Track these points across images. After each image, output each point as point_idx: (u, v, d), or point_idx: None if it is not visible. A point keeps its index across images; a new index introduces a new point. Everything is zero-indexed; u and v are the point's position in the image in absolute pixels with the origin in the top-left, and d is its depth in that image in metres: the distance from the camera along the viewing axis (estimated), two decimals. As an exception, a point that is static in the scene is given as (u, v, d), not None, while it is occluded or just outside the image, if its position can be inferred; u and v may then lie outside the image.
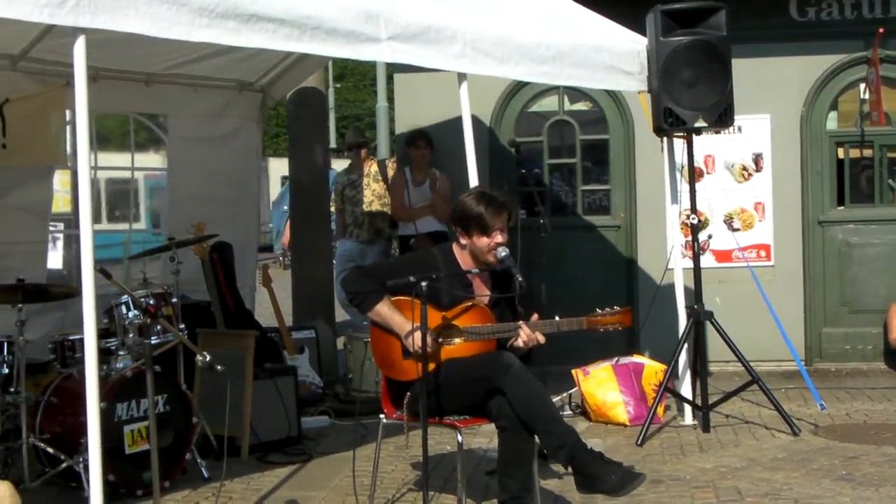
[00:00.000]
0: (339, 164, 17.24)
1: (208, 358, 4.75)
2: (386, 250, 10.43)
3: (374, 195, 10.37)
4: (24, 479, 6.02)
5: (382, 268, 5.74)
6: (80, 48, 4.81)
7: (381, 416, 5.57)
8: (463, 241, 5.46)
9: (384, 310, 5.32)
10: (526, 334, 5.24)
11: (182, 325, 6.80)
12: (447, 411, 5.34)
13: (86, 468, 5.68)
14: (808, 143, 9.91)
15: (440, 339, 5.28)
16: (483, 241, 5.37)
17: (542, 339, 5.27)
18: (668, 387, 7.52)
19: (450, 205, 9.41)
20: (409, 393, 5.36)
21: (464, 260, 5.49)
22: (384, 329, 5.38)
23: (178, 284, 7.05)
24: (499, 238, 5.36)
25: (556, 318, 5.28)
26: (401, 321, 5.28)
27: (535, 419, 5.08)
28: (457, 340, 5.32)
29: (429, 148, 9.72)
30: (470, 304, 5.36)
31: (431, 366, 5.19)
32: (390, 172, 10.41)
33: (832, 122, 10.01)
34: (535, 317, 5.32)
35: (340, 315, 10.31)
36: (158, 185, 11.12)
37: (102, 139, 9.95)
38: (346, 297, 5.58)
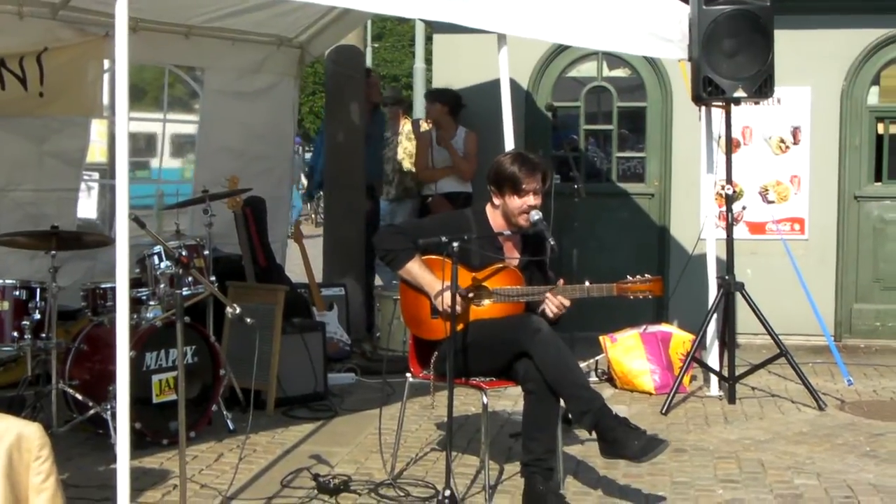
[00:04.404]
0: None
1: (238, 310, 4.77)
2: (415, 209, 10.42)
3: (405, 153, 10.33)
4: (52, 423, 6.07)
5: (414, 226, 5.76)
6: (122, 1, 4.79)
7: (408, 375, 5.60)
8: (496, 200, 5.46)
9: (415, 268, 5.34)
10: (555, 305, 5.25)
11: (213, 278, 6.81)
12: (473, 373, 5.36)
13: (113, 415, 5.74)
14: (847, 117, 9.81)
15: (470, 295, 5.29)
16: (515, 202, 5.37)
17: (567, 303, 5.27)
18: (695, 357, 7.51)
19: (471, 164, 9.42)
20: (436, 353, 5.38)
21: (496, 222, 5.49)
22: (414, 287, 5.40)
23: (210, 237, 7.08)
24: (531, 200, 5.36)
25: (586, 284, 5.28)
26: (431, 280, 5.29)
27: (562, 383, 5.09)
28: (486, 301, 5.33)
29: (440, 106, 9.60)
30: (500, 265, 5.37)
31: (460, 326, 5.20)
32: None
33: (873, 97, 9.90)
34: (561, 282, 5.32)
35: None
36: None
37: (138, 91, 9.96)
38: (378, 254, 5.59)
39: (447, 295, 5.07)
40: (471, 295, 5.29)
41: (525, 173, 5.36)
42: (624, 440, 5.00)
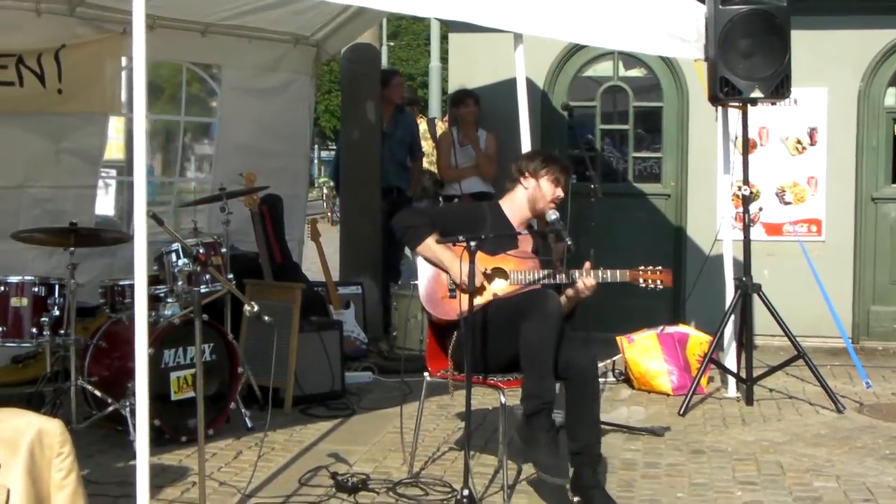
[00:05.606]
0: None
1: (256, 308, 4.77)
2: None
3: (421, 153, 10.33)
4: (71, 420, 6.06)
5: (432, 210, 5.84)
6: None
7: (425, 374, 5.60)
8: (527, 182, 5.57)
9: (433, 244, 5.38)
10: (585, 284, 5.32)
11: (230, 276, 6.82)
12: (491, 365, 5.37)
13: (132, 412, 5.76)
14: (864, 118, 9.78)
15: (487, 271, 5.38)
16: (549, 188, 5.54)
17: (592, 282, 5.34)
18: (712, 358, 7.49)
19: (494, 165, 9.44)
20: (454, 336, 5.38)
21: (513, 215, 5.59)
22: (433, 264, 5.45)
23: (227, 234, 7.08)
24: (560, 193, 5.54)
25: (601, 270, 5.34)
26: (451, 256, 5.36)
27: (533, 359, 5.09)
28: (502, 282, 5.37)
29: (476, 107, 9.67)
30: (515, 252, 5.47)
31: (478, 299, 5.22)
32: (439, 131, 10.37)
33: (890, 98, 9.86)
34: (587, 265, 5.37)
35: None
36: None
37: (156, 88, 9.97)
38: (397, 234, 5.62)
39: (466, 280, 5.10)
40: (488, 271, 5.37)
41: (559, 170, 5.58)
42: (538, 448, 5.07)
